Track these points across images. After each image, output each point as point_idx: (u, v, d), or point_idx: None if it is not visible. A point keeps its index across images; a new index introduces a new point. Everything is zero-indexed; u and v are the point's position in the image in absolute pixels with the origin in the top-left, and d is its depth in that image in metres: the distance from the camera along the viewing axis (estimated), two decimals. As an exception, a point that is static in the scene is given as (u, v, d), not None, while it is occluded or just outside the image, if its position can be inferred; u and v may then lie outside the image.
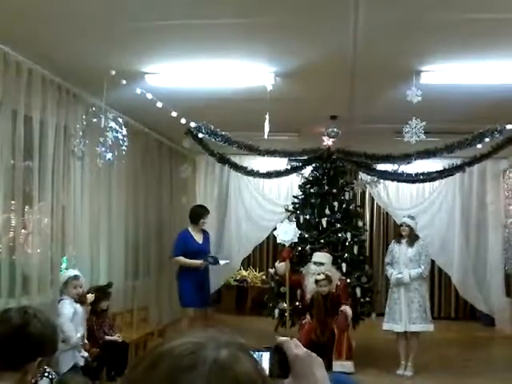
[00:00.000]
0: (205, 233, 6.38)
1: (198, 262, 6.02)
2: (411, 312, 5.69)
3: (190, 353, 0.66)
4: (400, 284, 5.74)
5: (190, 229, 6.27)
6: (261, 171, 6.70)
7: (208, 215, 6.38)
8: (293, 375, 0.89)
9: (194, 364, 0.65)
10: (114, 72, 4.26)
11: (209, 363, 0.65)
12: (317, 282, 5.70)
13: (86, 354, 4.40)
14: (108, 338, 4.92)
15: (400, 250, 5.88)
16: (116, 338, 4.97)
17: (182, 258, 6.09)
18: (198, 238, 6.24)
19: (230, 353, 0.68)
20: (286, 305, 6.01)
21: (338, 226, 6.24)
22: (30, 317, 1.78)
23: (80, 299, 4.52)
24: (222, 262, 6.35)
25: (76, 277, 4.30)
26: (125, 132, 4.75)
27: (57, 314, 4.12)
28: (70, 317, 4.16)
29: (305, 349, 0.92)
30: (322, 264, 5.83)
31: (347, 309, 5.69)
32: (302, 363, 0.89)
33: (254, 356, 0.85)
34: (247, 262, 9.58)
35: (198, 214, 6.30)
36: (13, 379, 1.69)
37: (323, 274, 5.70)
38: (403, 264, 5.78)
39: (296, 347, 0.91)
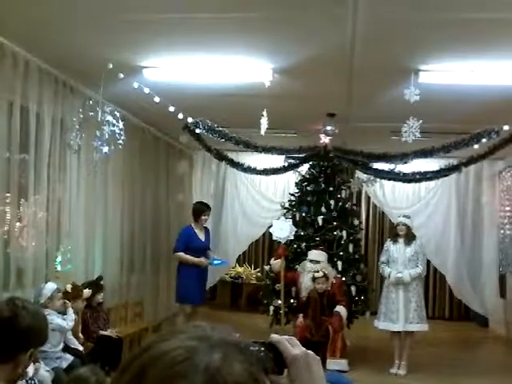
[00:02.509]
0: (206, 230, 6.41)
1: (199, 259, 6.07)
2: (408, 312, 5.69)
3: (181, 361, 0.64)
4: (399, 283, 5.73)
5: (193, 225, 6.31)
6: (257, 168, 6.70)
7: (209, 212, 6.40)
8: (290, 375, 0.88)
9: (185, 373, 0.63)
10: (111, 65, 4.23)
11: (200, 372, 0.64)
12: (314, 279, 5.70)
13: (80, 348, 4.40)
14: (102, 332, 4.91)
15: (398, 250, 5.86)
16: (110, 333, 4.95)
17: (182, 254, 6.11)
18: (201, 235, 6.29)
19: (222, 356, 0.66)
20: (280, 302, 6.01)
21: (334, 224, 6.24)
22: (19, 308, 1.77)
23: (75, 294, 4.51)
24: (223, 265, 6.44)
25: (58, 289, 4.22)
26: (121, 126, 4.72)
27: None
28: (64, 327, 4.13)
29: (303, 348, 0.91)
30: (318, 262, 5.84)
31: (342, 310, 5.70)
32: (299, 363, 0.87)
33: (253, 350, 0.84)
34: (242, 259, 9.58)
35: (199, 210, 6.33)
36: (4, 371, 1.68)
37: (321, 271, 5.70)
38: (402, 264, 5.77)
39: (293, 346, 0.90)
